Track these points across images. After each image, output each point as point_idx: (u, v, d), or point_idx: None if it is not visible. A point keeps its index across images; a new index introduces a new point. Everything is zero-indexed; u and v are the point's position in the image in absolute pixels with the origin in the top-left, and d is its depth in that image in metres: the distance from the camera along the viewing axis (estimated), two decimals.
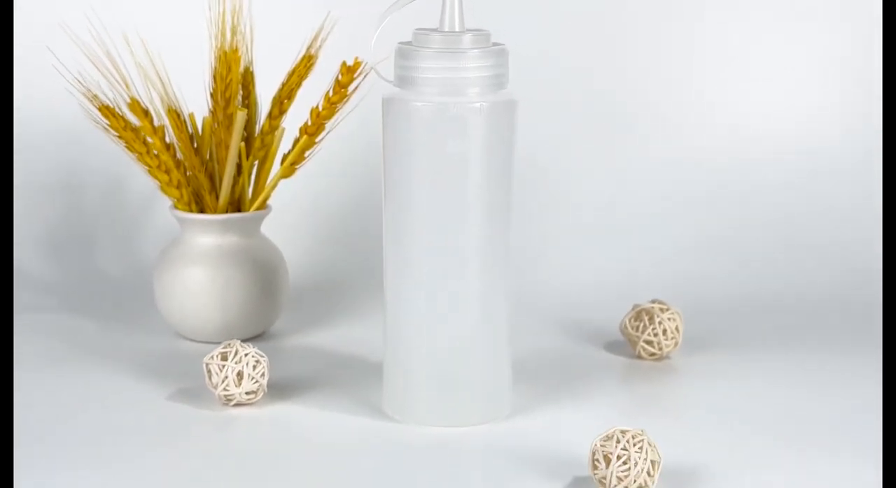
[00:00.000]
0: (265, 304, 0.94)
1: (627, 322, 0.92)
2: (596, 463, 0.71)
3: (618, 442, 0.70)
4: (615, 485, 0.70)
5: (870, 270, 1.07)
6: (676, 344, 0.91)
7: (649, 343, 0.91)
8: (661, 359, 0.92)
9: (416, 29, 0.78)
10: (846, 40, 1.15)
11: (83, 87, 0.91)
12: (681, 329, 0.92)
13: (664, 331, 0.91)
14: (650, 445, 0.71)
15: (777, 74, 1.15)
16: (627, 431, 0.71)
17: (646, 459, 0.70)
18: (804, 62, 1.16)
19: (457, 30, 0.77)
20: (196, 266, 0.93)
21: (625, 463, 0.70)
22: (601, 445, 0.71)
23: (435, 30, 0.77)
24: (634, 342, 0.92)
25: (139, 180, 1.09)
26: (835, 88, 1.16)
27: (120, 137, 0.92)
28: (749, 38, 1.15)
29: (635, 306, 0.92)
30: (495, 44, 0.78)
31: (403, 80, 0.77)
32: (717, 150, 1.14)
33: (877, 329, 0.97)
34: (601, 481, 0.71)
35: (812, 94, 1.16)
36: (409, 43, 0.78)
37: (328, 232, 1.11)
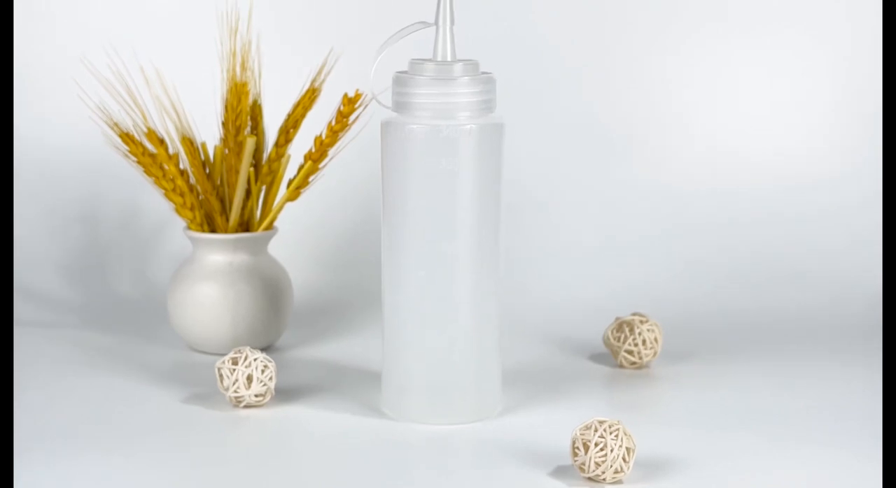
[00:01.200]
0: (272, 318, 1.00)
1: (609, 333, 0.98)
2: (576, 450, 0.77)
3: (595, 430, 0.77)
4: (593, 470, 0.76)
5: (852, 294, 1.12)
6: (655, 353, 0.98)
7: (630, 352, 0.97)
8: (641, 367, 0.98)
9: (412, 59, 0.84)
10: (835, 71, 1.20)
11: (105, 115, 0.98)
12: (660, 339, 0.98)
13: (644, 342, 0.97)
14: (626, 434, 0.77)
15: (765, 104, 1.20)
16: (605, 421, 0.77)
17: (621, 446, 0.76)
18: (792, 93, 1.20)
19: (449, 59, 0.83)
20: (208, 282, 0.99)
21: (602, 449, 0.76)
22: (581, 434, 0.77)
23: (429, 59, 0.84)
24: (616, 352, 0.98)
25: (154, 208, 1.15)
26: (824, 118, 1.20)
27: (138, 162, 0.98)
28: (738, 68, 1.20)
29: (617, 318, 0.99)
30: (484, 72, 0.84)
31: (400, 106, 0.84)
32: (704, 176, 1.19)
33: (855, 345, 1.03)
34: (581, 467, 0.77)
35: (801, 124, 1.20)
36: (405, 72, 0.84)
37: (330, 251, 1.16)
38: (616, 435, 0.76)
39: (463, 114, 0.83)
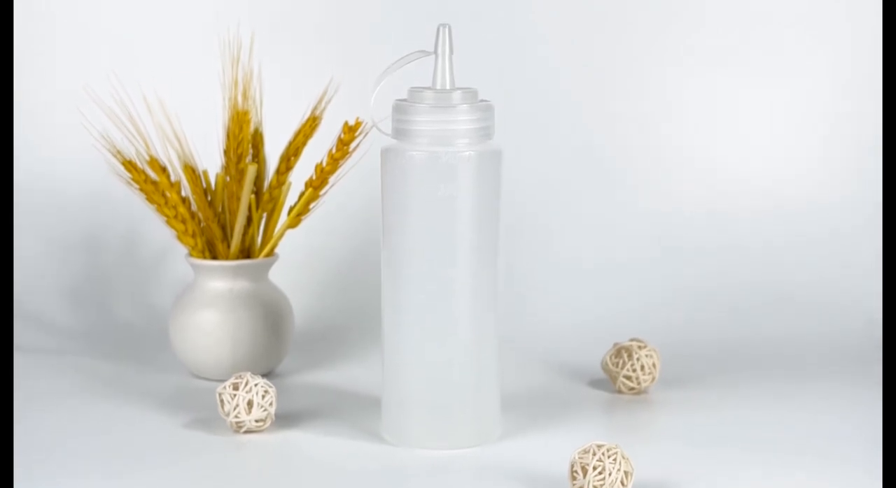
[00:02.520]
0: (273, 344, 1.01)
1: (608, 359, 0.99)
2: (574, 474, 0.78)
3: (594, 454, 0.77)
4: None
5: (850, 319, 1.13)
6: (654, 379, 0.98)
7: (628, 378, 0.98)
8: (639, 393, 0.98)
9: (412, 87, 0.85)
10: (833, 98, 1.21)
11: (109, 143, 0.99)
12: (658, 365, 0.98)
13: (642, 367, 0.98)
14: (624, 458, 0.77)
15: (763, 129, 1.21)
16: (603, 445, 0.78)
17: (619, 470, 0.77)
18: (789, 118, 1.21)
19: (448, 88, 0.84)
20: (209, 308, 1.00)
21: (600, 473, 0.77)
22: (579, 457, 0.78)
23: (428, 87, 0.85)
24: (615, 377, 0.98)
25: (155, 236, 1.16)
26: (822, 143, 1.21)
27: (141, 190, 0.99)
28: (736, 93, 1.21)
29: (615, 344, 0.99)
30: (482, 100, 0.85)
31: (400, 133, 0.85)
32: (703, 201, 1.20)
33: (853, 369, 1.03)
34: None
35: (799, 149, 1.21)
36: (405, 99, 0.85)
37: (331, 277, 1.17)
38: (614, 459, 0.77)
39: (462, 141, 0.84)
